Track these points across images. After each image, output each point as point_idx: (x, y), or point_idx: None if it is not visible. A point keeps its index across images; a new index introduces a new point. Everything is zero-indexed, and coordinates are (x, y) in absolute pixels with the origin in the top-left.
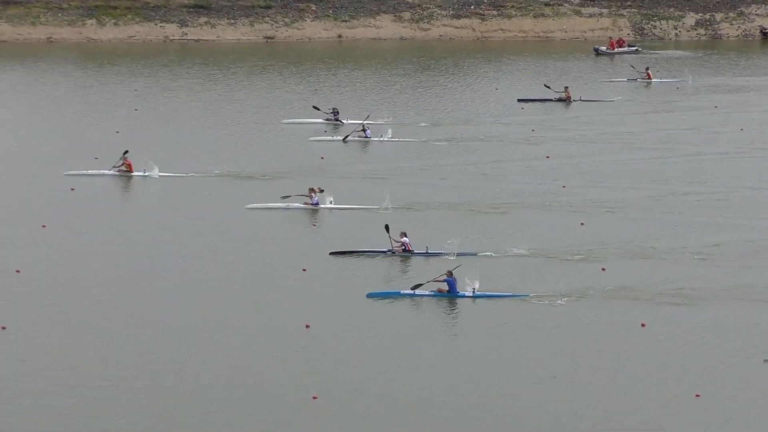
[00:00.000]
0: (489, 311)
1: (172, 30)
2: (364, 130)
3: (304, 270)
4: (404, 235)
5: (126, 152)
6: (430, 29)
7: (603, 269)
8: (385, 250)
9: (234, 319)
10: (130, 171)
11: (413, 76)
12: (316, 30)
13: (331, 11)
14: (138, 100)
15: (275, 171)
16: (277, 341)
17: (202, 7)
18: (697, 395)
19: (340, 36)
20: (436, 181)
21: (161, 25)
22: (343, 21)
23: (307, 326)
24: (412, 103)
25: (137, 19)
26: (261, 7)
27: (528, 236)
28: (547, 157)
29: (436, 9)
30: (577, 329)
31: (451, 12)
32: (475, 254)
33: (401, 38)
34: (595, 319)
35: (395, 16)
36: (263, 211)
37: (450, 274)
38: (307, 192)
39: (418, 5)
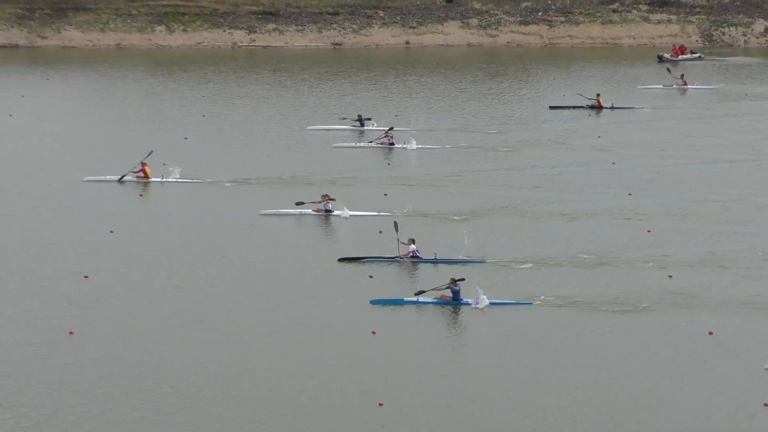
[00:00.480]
0: (521, 319)
1: (240, 36)
2: (387, 137)
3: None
4: (412, 241)
5: (151, 152)
6: (497, 35)
7: (670, 276)
8: (394, 256)
9: (235, 325)
10: (147, 177)
11: (484, 83)
12: (383, 36)
13: (398, 18)
14: (206, 106)
15: (296, 176)
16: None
17: (270, 13)
18: (765, 404)
19: (407, 42)
20: (501, 188)
21: (229, 31)
22: (410, 27)
23: (373, 332)
24: (482, 109)
25: (206, 25)
26: (329, 14)
27: (594, 243)
28: (613, 163)
29: (503, 15)
30: (645, 337)
31: (519, 18)
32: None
33: (468, 44)
34: (662, 328)
35: (463, 22)
36: (276, 218)
37: (453, 282)
38: (320, 198)
39: (486, 12)
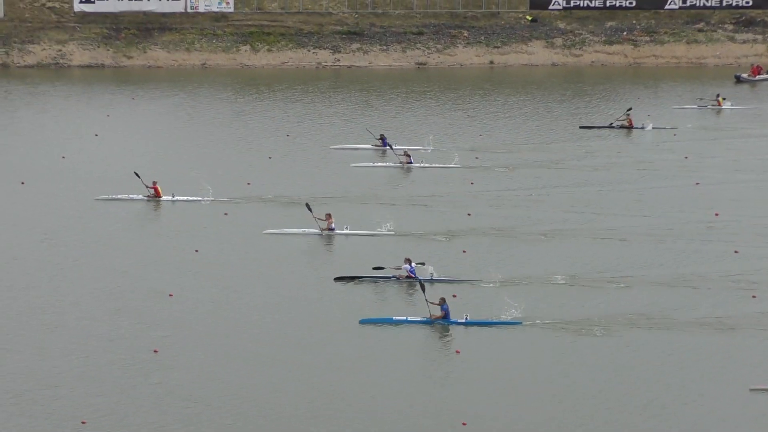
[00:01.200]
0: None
1: (324, 56)
2: (407, 155)
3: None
4: (408, 261)
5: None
6: (582, 55)
7: (754, 297)
8: (390, 276)
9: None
10: (158, 196)
11: (570, 102)
12: (467, 56)
13: (483, 37)
14: (292, 126)
15: (312, 195)
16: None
17: (354, 33)
18: None
19: (491, 62)
20: (584, 209)
21: (314, 51)
22: (495, 47)
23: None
24: (569, 128)
25: (290, 45)
26: (413, 34)
27: (681, 263)
28: (697, 183)
29: (588, 35)
30: (723, 359)
31: (603, 38)
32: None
33: (553, 64)
34: (742, 349)
35: (547, 42)
36: (280, 237)
37: (443, 301)
38: (324, 217)
39: (571, 31)
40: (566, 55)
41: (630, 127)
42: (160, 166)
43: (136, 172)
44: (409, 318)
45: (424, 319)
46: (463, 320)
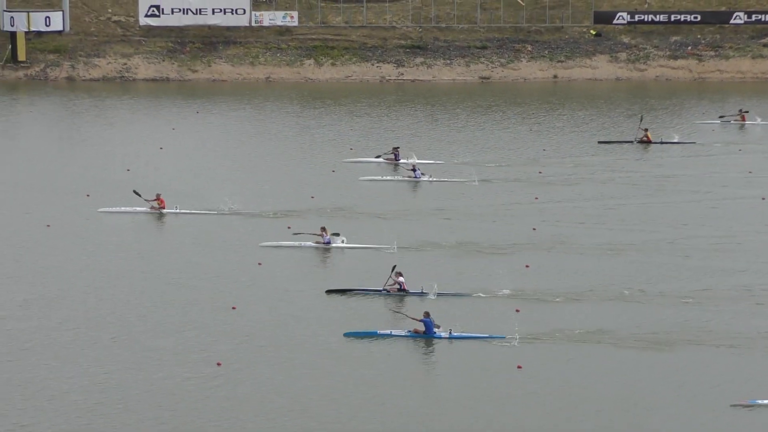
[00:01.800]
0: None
1: (388, 70)
2: (414, 170)
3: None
4: (399, 274)
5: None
6: (646, 70)
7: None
8: (381, 289)
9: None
10: (163, 208)
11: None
12: (531, 70)
13: (546, 51)
14: (356, 140)
15: (315, 208)
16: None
17: (418, 47)
18: None
19: (555, 76)
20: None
21: (378, 65)
22: (558, 61)
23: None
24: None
25: (354, 59)
26: (477, 48)
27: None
28: (763, 198)
29: (652, 49)
30: (705, 375)
31: (668, 52)
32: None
33: (617, 78)
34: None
35: (611, 56)
36: (275, 249)
37: (427, 315)
38: (318, 231)
39: (635, 45)
40: (630, 70)
41: (648, 142)
42: (226, 179)
43: (136, 190)
44: (393, 332)
45: (409, 333)
46: (447, 334)
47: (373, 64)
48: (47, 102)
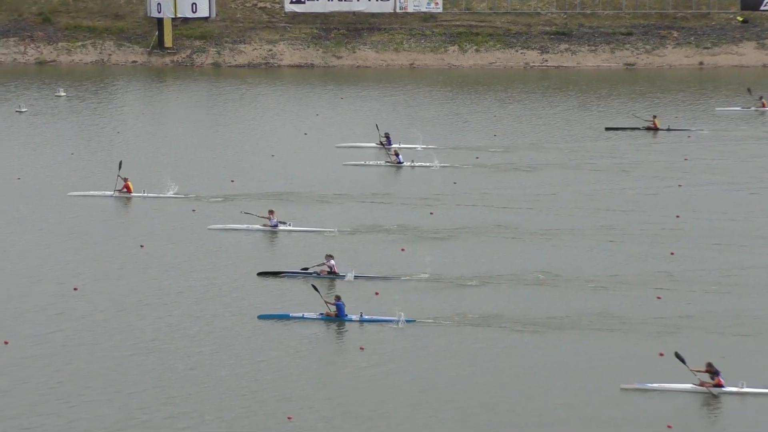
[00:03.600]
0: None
1: (532, 57)
2: (396, 155)
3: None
4: (330, 257)
5: (120, 162)
6: None
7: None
8: (312, 272)
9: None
10: (129, 192)
11: None
12: (677, 57)
13: (692, 38)
14: (498, 126)
15: (292, 192)
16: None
17: (563, 33)
18: None
19: (701, 63)
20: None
21: (522, 51)
22: (704, 48)
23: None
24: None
25: (498, 45)
26: (622, 34)
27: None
28: (680, 185)
29: None
30: (598, 359)
31: None
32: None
33: (764, 65)
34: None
35: (758, 43)
36: (223, 232)
37: (338, 298)
38: (267, 214)
39: None
40: None
41: (655, 129)
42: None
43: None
44: (306, 314)
45: (320, 315)
46: (358, 317)
47: (517, 51)
48: (193, 88)
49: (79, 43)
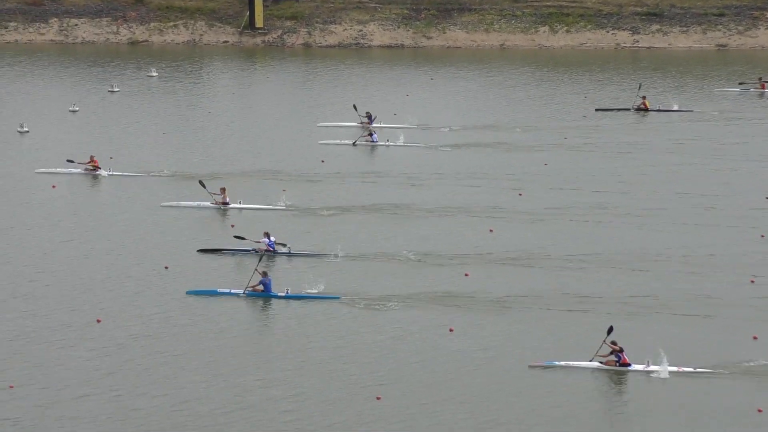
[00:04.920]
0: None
1: (623, 37)
2: (370, 134)
3: (166, 267)
4: (267, 235)
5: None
6: None
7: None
8: (250, 249)
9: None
10: (96, 169)
11: None
12: None
13: None
14: (588, 107)
15: (264, 170)
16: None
17: (654, 14)
18: None
19: None
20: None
21: (613, 32)
22: None
23: (98, 320)
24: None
25: (589, 26)
26: (714, 15)
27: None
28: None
29: None
30: (507, 338)
31: None
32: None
33: None
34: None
35: None
36: (175, 209)
37: (265, 274)
38: (218, 191)
39: None
40: None
41: (645, 109)
42: (460, 144)
43: (69, 159)
44: (233, 290)
45: (247, 292)
46: (284, 294)
47: (608, 31)
48: (284, 68)
49: (171, 24)
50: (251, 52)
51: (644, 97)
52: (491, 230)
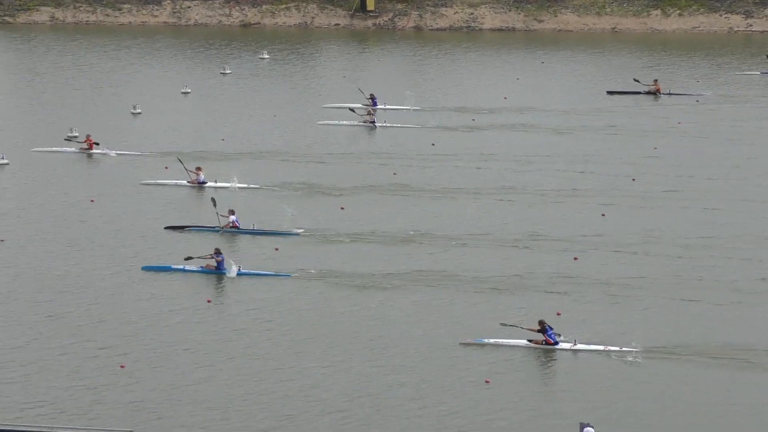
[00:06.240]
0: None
1: (737, 21)
2: (370, 114)
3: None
4: (232, 213)
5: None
6: None
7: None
8: (215, 227)
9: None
10: (91, 148)
11: None
12: None
13: None
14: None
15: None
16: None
17: None
18: None
19: None
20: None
21: (726, 16)
22: None
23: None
24: None
25: (702, 9)
26: None
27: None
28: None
29: None
30: (440, 316)
31: None
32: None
33: None
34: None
35: None
36: (153, 187)
37: (218, 251)
38: (194, 170)
39: None
40: None
41: (658, 92)
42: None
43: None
44: (186, 267)
45: (200, 268)
46: (237, 270)
47: (721, 15)
48: (395, 51)
49: (283, 6)
50: (362, 34)
51: (656, 80)
52: (604, 215)
